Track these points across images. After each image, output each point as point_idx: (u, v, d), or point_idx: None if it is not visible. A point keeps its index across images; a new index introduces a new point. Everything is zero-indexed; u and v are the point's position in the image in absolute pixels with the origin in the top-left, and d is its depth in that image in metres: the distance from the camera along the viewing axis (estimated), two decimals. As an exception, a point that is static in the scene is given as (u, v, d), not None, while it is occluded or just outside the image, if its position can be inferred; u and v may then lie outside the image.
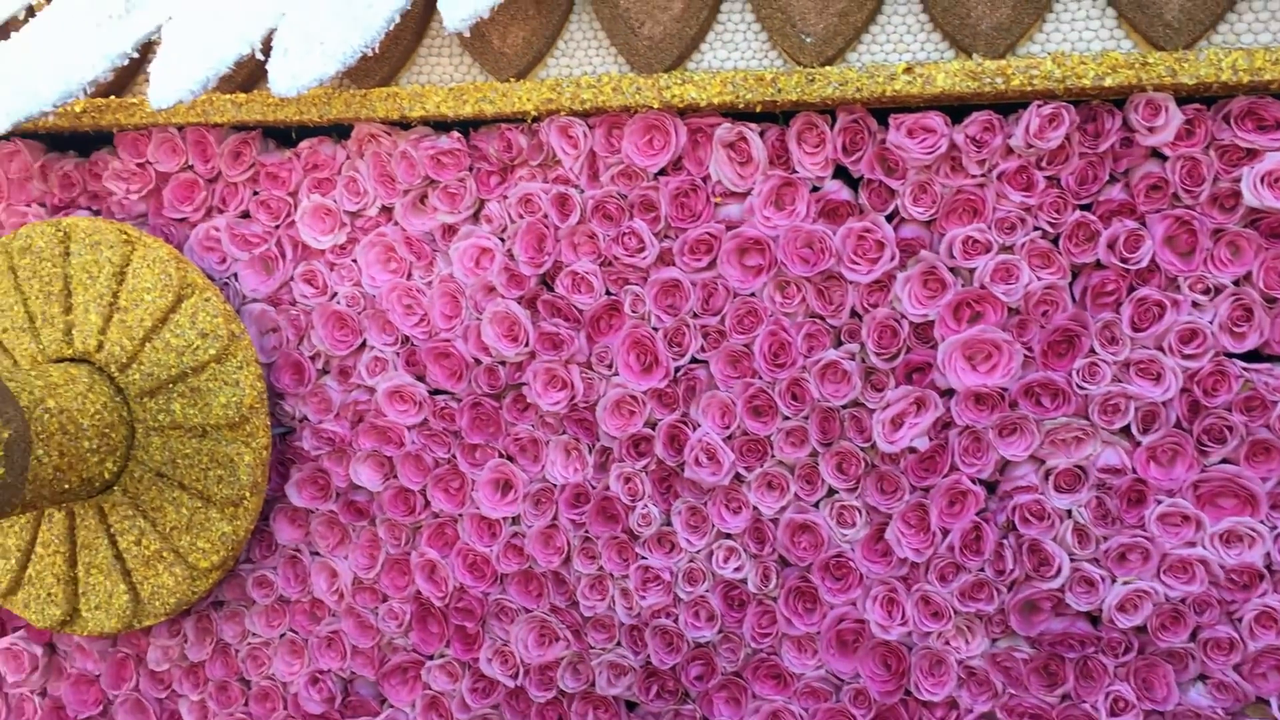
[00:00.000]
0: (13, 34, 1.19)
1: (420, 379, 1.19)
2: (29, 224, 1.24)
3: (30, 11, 1.23)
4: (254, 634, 1.29)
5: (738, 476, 1.12)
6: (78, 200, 1.29)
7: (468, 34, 1.06)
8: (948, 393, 1.06)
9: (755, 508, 1.12)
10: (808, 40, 1.04)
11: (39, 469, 1.10)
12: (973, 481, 1.06)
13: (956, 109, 1.03)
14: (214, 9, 1.11)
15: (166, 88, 1.10)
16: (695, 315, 1.11)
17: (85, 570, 1.24)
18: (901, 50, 1.03)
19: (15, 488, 1.08)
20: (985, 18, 1.00)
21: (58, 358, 1.23)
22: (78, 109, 1.23)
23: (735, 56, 1.08)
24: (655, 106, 1.07)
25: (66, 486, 1.15)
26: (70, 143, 1.31)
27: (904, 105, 1.04)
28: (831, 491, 1.11)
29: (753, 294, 1.10)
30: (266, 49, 1.10)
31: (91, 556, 1.23)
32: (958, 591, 1.08)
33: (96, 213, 1.29)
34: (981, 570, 1.08)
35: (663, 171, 1.11)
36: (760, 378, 1.10)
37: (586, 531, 1.17)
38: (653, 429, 1.13)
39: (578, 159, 1.12)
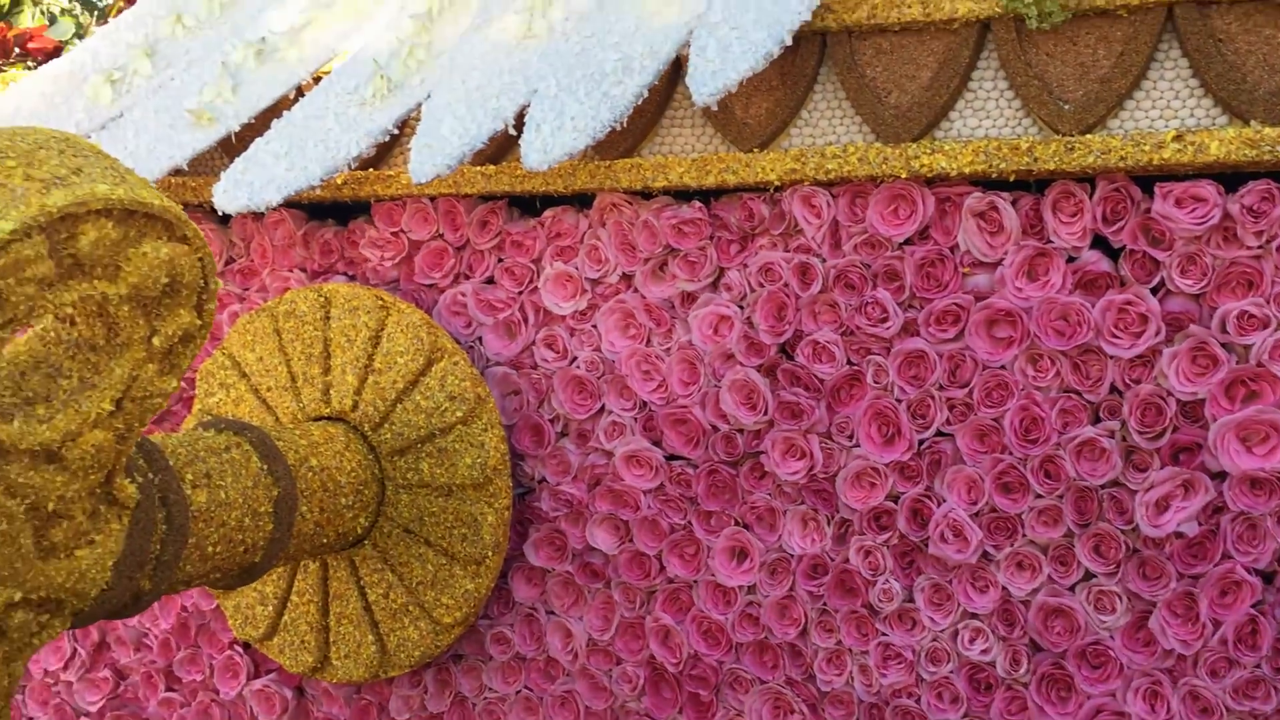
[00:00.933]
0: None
1: (657, 444, 1.26)
2: (293, 289, 1.37)
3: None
4: (491, 689, 1.39)
5: (985, 555, 1.14)
6: (335, 266, 1.42)
7: (715, 108, 1.12)
8: (1219, 475, 1.05)
9: (1004, 588, 1.13)
10: (1066, 107, 1.06)
11: (302, 524, 1.22)
12: (1248, 571, 1.04)
13: (1229, 176, 1.02)
14: (469, 88, 1.22)
15: (426, 164, 1.21)
16: (941, 387, 1.13)
17: (336, 620, 1.36)
18: (1169, 116, 1.04)
19: (282, 542, 1.21)
20: (1263, 82, 0.99)
21: (316, 416, 1.36)
22: (339, 181, 1.35)
23: (986, 124, 1.10)
24: (903, 176, 1.11)
25: (324, 540, 1.27)
26: (329, 212, 1.45)
27: (1170, 173, 1.04)
28: (1089, 575, 1.11)
29: (1003, 367, 1.11)
30: (518, 124, 1.20)
31: (343, 607, 1.35)
32: (1231, 688, 1.06)
33: (352, 278, 1.42)
34: (1258, 667, 1.05)
35: (908, 241, 1.14)
36: (1010, 453, 1.11)
37: (824, 604, 1.20)
38: (895, 502, 1.16)
39: (820, 228, 1.16)
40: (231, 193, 1.28)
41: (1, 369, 0.84)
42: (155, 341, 0.93)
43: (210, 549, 1.12)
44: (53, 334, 0.87)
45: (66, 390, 0.91)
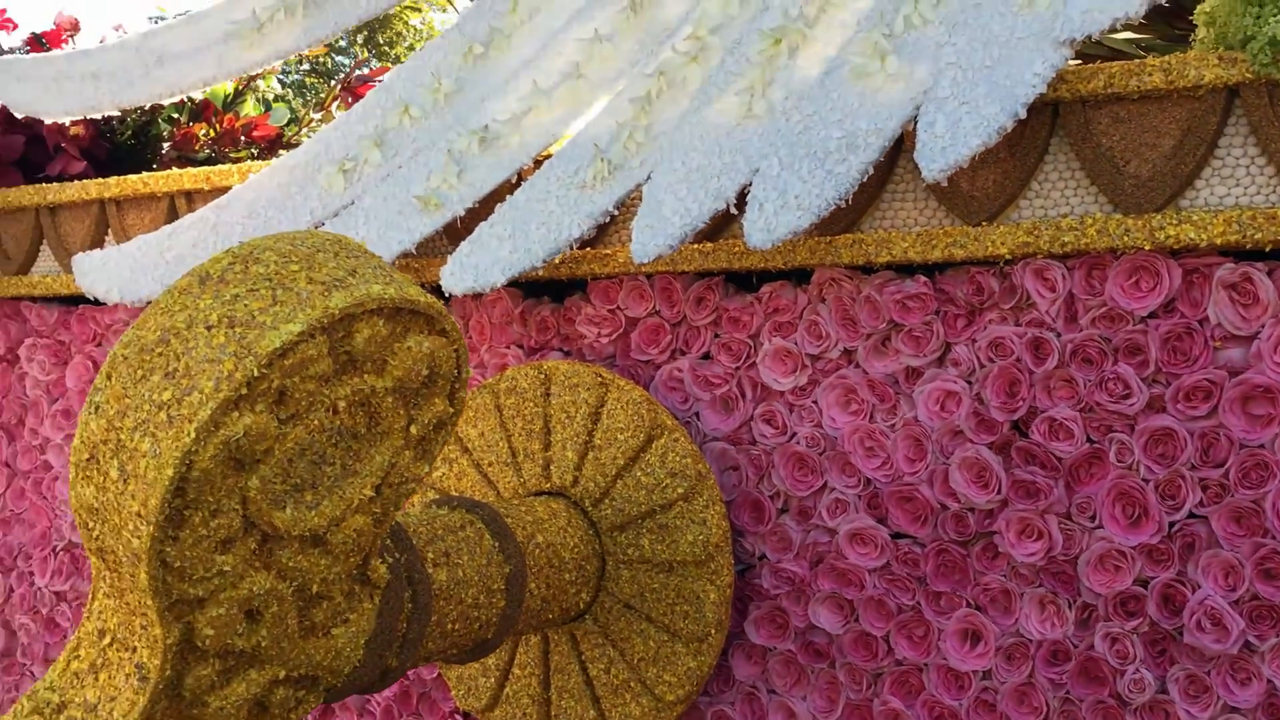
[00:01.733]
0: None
1: (882, 522, 1.25)
2: (514, 367, 1.42)
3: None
4: (711, 767, 1.38)
5: (1248, 645, 1.08)
6: (551, 343, 1.46)
7: (945, 183, 1.12)
8: None
9: (1270, 681, 1.07)
10: (1328, 173, 1.01)
11: (530, 600, 1.25)
12: None
13: None
14: (689, 168, 1.25)
15: (649, 243, 1.24)
16: (1193, 466, 1.09)
17: (557, 694, 1.38)
18: None
19: (513, 618, 1.24)
20: None
21: (536, 491, 1.39)
22: (556, 260, 1.40)
23: (1236, 192, 1.06)
24: (1146, 248, 1.08)
25: (549, 616, 1.30)
26: (544, 289, 1.49)
27: None
28: (1367, 670, 1.04)
29: (1261, 445, 1.06)
30: (739, 203, 1.21)
31: (564, 681, 1.38)
32: None
33: (568, 354, 1.46)
34: None
35: (1151, 314, 1.10)
36: (1273, 537, 1.05)
37: (1067, 692, 1.16)
38: (1144, 587, 1.12)
39: (1055, 302, 1.14)
40: (458, 275, 1.34)
41: (274, 459, 0.89)
42: (413, 430, 0.97)
43: (450, 626, 1.16)
44: (316, 423, 0.91)
45: (330, 477, 0.96)
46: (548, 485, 1.37)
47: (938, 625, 1.22)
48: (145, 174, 1.72)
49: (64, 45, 2.31)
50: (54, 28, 2.36)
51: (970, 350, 1.18)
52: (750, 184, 1.21)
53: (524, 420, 1.39)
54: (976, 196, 1.17)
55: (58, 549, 1.86)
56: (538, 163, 1.39)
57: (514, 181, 1.39)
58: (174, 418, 0.81)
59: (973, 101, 1.08)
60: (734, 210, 1.21)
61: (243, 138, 1.95)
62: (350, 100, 2.00)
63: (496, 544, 1.22)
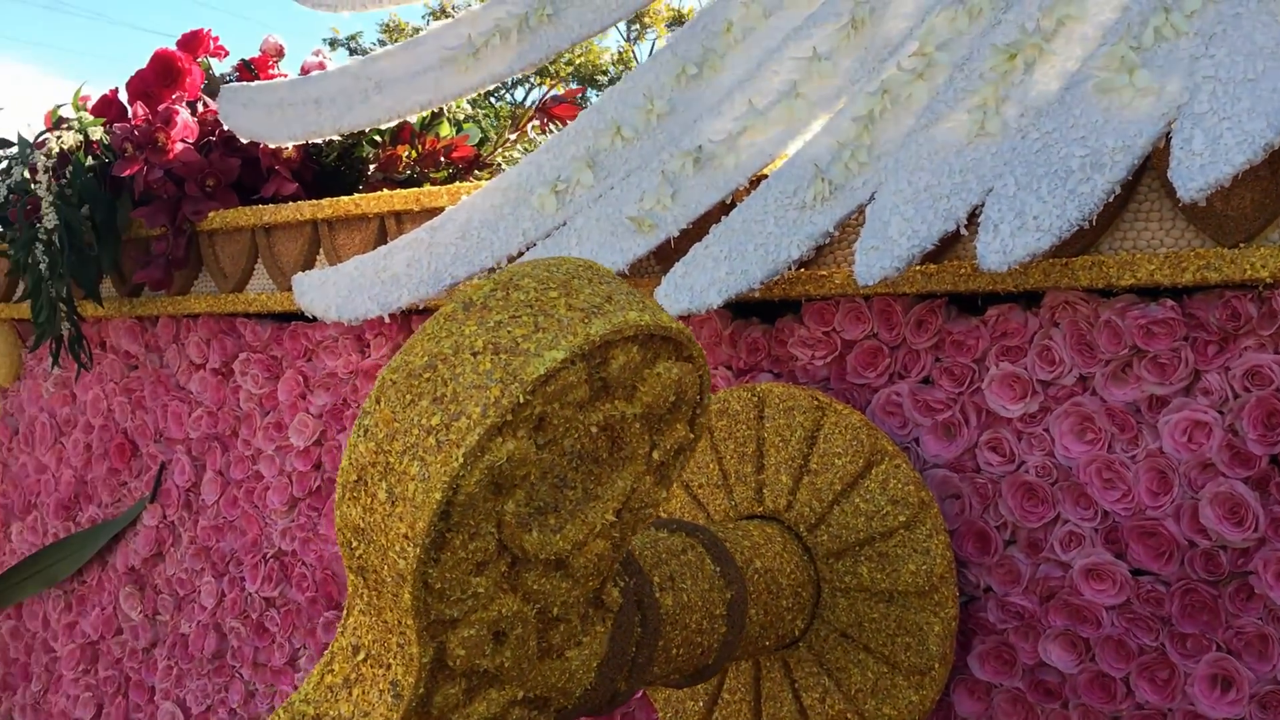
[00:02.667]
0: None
1: (1121, 557, 1.19)
2: (725, 389, 1.41)
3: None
4: (929, 805, 1.34)
5: None
6: (761, 364, 1.45)
7: (1203, 203, 1.06)
8: None
9: None
10: None
11: (749, 627, 1.24)
12: None
13: None
14: (917, 188, 1.22)
15: (874, 265, 1.21)
16: None
17: (769, 721, 1.36)
18: None
19: (733, 645, 1.23)
20: None
21: (748, 514, 1.38)
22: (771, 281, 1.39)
23: None
24: None
25: (765, 643, 1.29)
26: (753, 310, 1.48)
27: None
28: None
29: None
30: (970, 224, 1.18)
31: (775, 709, 1.36)
32: None
33: (778, 376, 1.44)
34: None
35: None
36: None
37: (1335, 748, 1.09)
38: None
39: (1322, 328, 1.07)
40: (674, 296, 1.34)
41: (529, 484, 0.90)
42: (655, 455, 0.97)
43: (674, 651, 1.16)
44: (558, 447, 0.92)
45: (572, 501, 0.96)
46: (760, 509, 1.36)
47: (1184, 668, 1.15)
48: (356, 195, 1.78)
49: (271, 70, 2.41)
50: (260, 54, 2.47)
51: (1223, 379, 1.12)
52: (982, 204, 1.17)
53: (736, 443, 1.38)
54: (1232, 216, 1.11)
55: (267, 556, 1.94)
56: (754, 183, 1.38)
57: (728, 202, 1.39)
58: (442, 442, 0.82)
59: (1235, 116, 1.03)
60: (964, 231, 1.18)
61: (443, 158, 2.00)
62: (545, 121, 2.03)
63: (718, 569, 1.21)
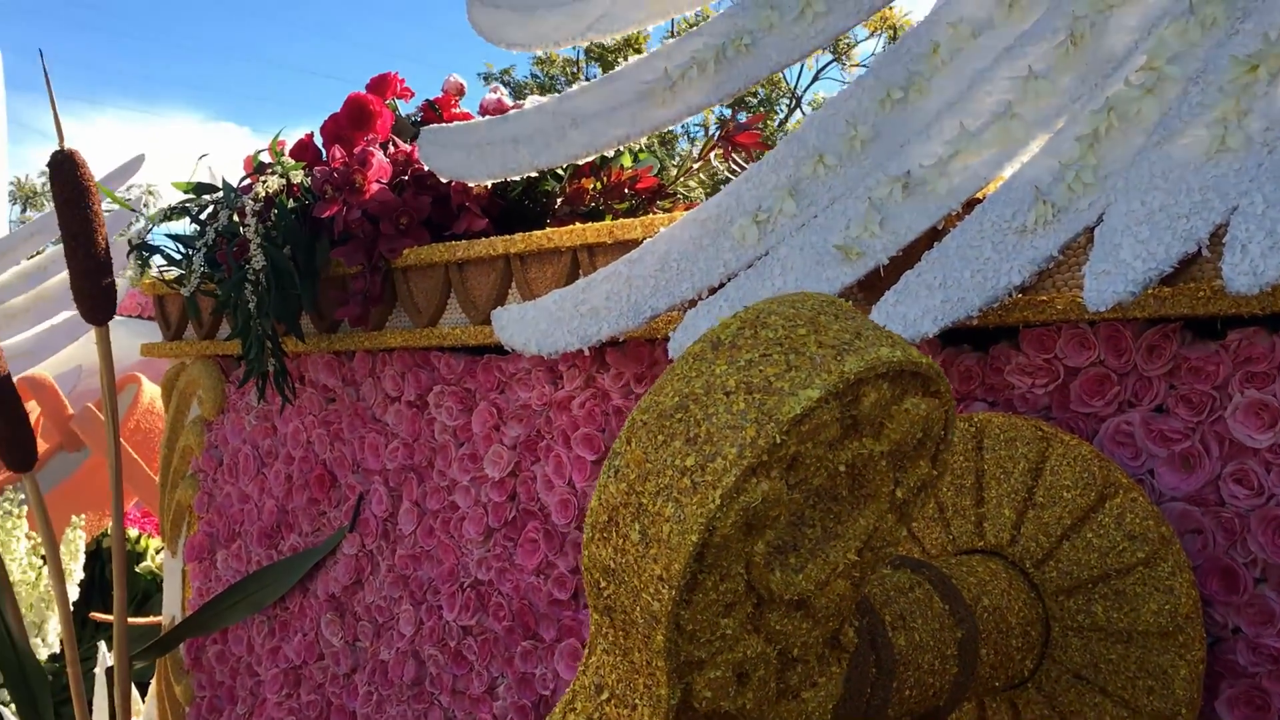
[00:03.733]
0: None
1: (1391, 599, 1.11)
2: (940, 419, 1.37)
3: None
4: None
5: None
6: (975, 393, 1.41)
7: None
8: None
9: None
10: None
11: (980, 667, 1.20)
12: None
13: None
14: (1151, 209, 1.16)
15: (1106, 290, 1.16)
16: None
17: (997, 764, 1.32)
18: None
19: (964, 686, 1.19)
20: None
21: (967, 549, 1.34)
22: (985, 308, 1.35)
23: None
24: None
25: (994, 684, 1.24)
26: (964, 337, 1.44)
27: None
28: None
29: None
30: (1212, 245, 1.12)
31: (1003, 751, 1.31)
32: None
33: (993, 405, 1.40)
34: None
35: None
36: None
37: None
38: None
39: None
40: (886, 326, 1.31)
41: (778, 524, 0.88)
42: (898, 493, 0.94)
43: (907, 693, 1.12)
44: (808, 486, 0.90)
45: (811, 540, 0.95)
46: (980, 543, 1.32)
47: None
48: (548, 230, 1.81)
49: (454, 109, 2.48)
50: (443, 94, 2.55)
51: None
52: (1225, 224, 1.11)
53: (953, 474, 1.34)
54: None
55: (464, 585, 1.97)
56: (967, 207, 1.34)
57: (939, 228, 1.35)
58: (698, 483, 0.82)
59: None
60: (1206, 252, 1.12)
61: (627, 190, 2.02)
62: (728, 149, 2.03)
63: (946, 607, 1.17)
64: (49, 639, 3.43)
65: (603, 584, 0.90)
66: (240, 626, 2.41)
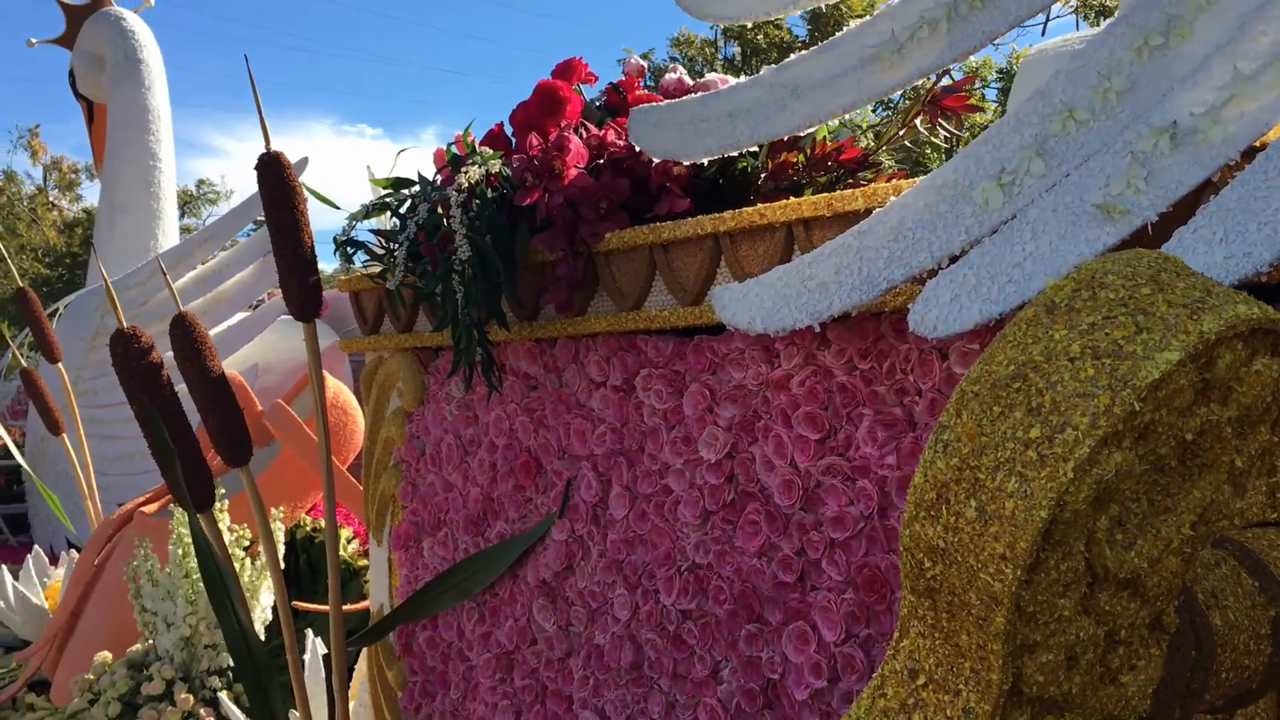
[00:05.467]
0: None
1: None
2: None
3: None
4: None
5: None
6: (1254, 355, 1.31)
7: None
8: None
9: None
10: None
11: (1291, 650, 1.12)
12: None
13: None
14: None
15: None
16: None
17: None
18: None
19: (1278, 668, 1.11)
20: None
21: (1258, 521, 1.25)
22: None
23: None
24: None
25: (1306, 668, 1.15)
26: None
27: None
28: None
29: None
30: None
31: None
32: None
33: None
34: None
35: None
36: None
37: None
38: None
39: None
40: (1161, 287, 1.22)
41: (1123, 498, 0.83)
42: (1238, 462, 0.87)
43: (1224, 675, 1.05)
44: (1154, 456, 0.84)
45: (1137, 514, 0.88)
46: (1275, 515, 1.22)
47: None
48: (760, 206, 1.77)
49: (637, 90, 2.46)
50: (625, 76, 2.53)
51: None
52: None
53: (1238, 443, 1.25)
54: None
55: (682, 569, 1.95)
56: (1245, 156, 1.25)
57: (1214, 180, 1.26)
58: (1045, 456, 0.77)
59: None
60: None
61: (830, 162, 1.96)
62: (935, 114, 1.95)
63: (1256, 583, 1.09)
64: (257, 628, 3.56)
65: (927, 564, 0.86)
66: (450, 613, 2.45)
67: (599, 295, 2.09)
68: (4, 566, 4.72)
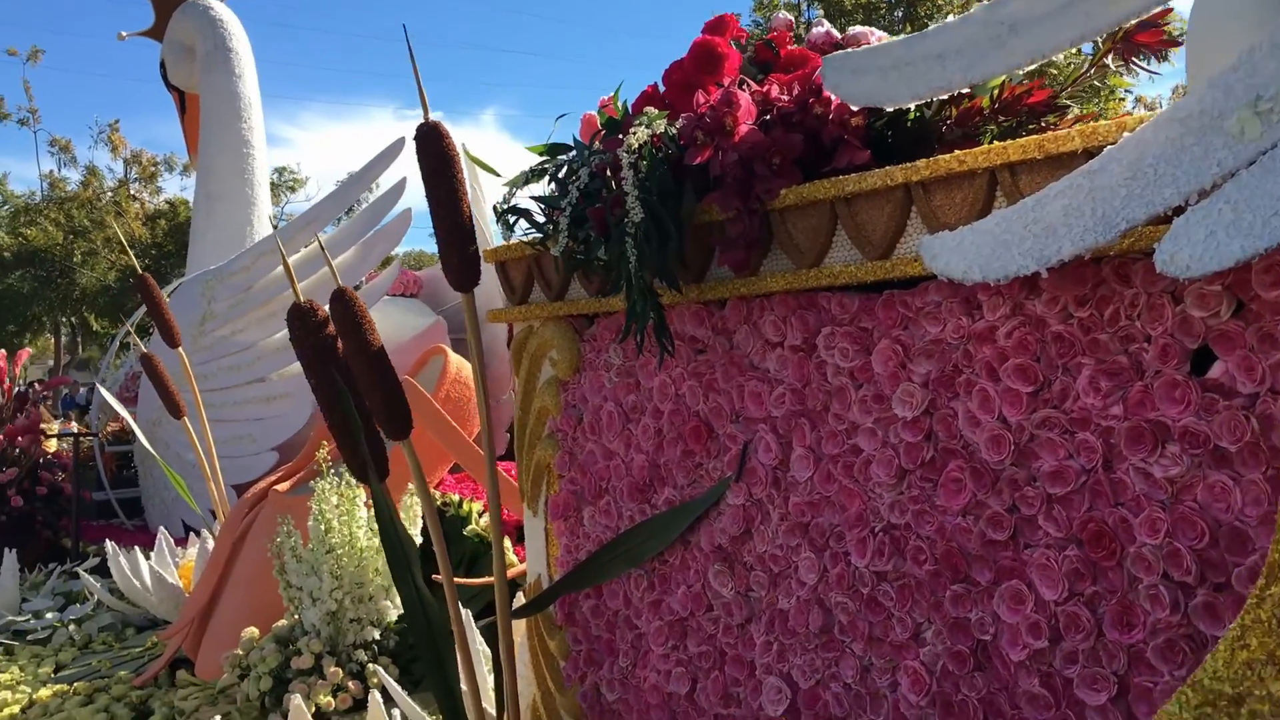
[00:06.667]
0: None
1: None
2: None
3: None
4: None
5: None
6: None
7: None
8: None
9: None
10: None
11: None
12: None
13: None
14: None
15: None
16: None
17: None
18: None
19: None
20: None
21: None
22: None
23: None
24: None
25: None
26: None
27: None
28: None
29: None
30: None
31: None
32: None
33: None
34: None
35: None
36: None
37: None
38: None
39: None
40: None
41: None
42: None
43: None
44: None
45: None
46: None
47: None
48: (959, 152, 1.69)
49: (789, 46, 2.39)
50: (775, 32, 2.45)
51: None
52: None
53: None
54: None
55: (875, 530, 1.89)
56: None
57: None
58: None
59: None
60: None
61: (1020, 106, 1.87)
62: (1129, 51, 1.85)
63: None
64: (398, 601, 3.57)
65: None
66: (616, 581, 2.42)
67: (773, 253, 2.03)
68: (137, 549, 4.82)
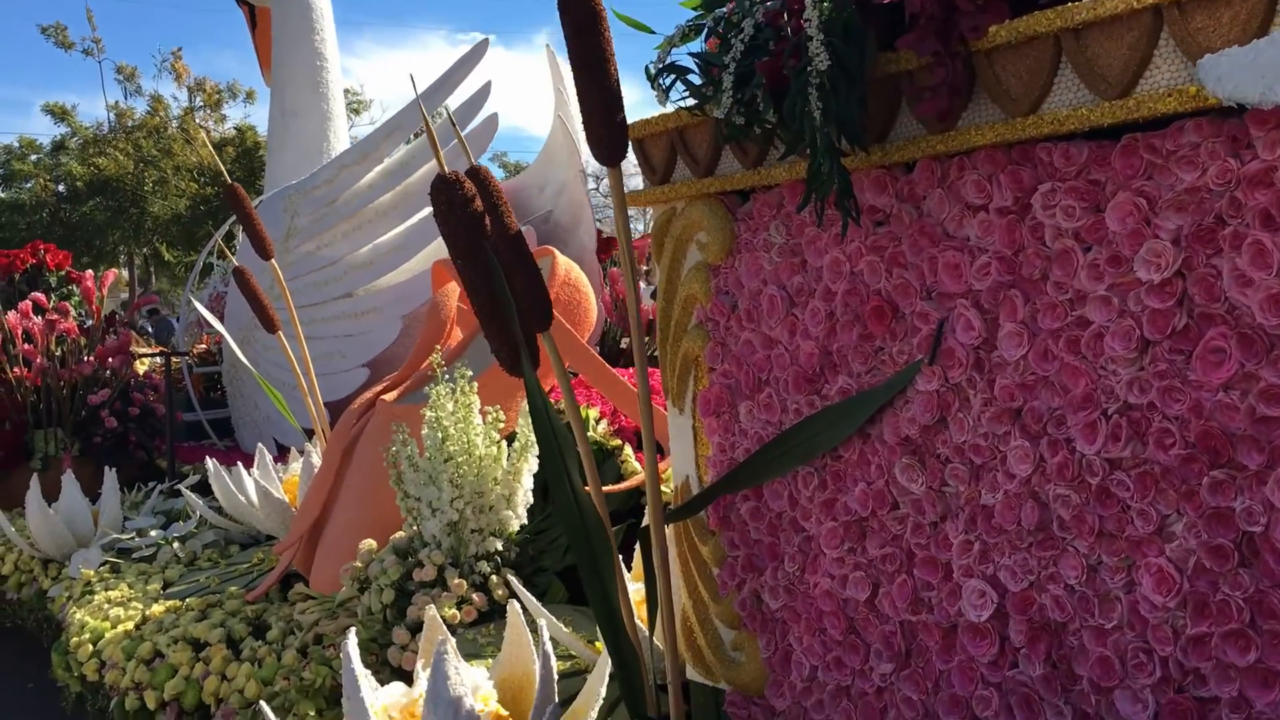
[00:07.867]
0: None
1: None
2: None
3: None
4: None
5: None
6: None
7: None
8: None
9: None
10: None
11: None
12: None
13: None
14: None
15: None
16: None
17: None
18: None
19: None
20: None
21: None
22: None
23: None
24: None
25: None
26: None
27: None
28: None
29: None
30: None
31: None
32: None
33: None
34: None
35: None
36: None
37: None
38: None
39: None
40: None
41: None
42: None
43: None
44: None
45: None
46: None
47: None
48: (1229, -39, 1.41)
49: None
50: None
51: None
52: None
53: None
54: None
55: (1107, 412, 1.65)
56: None
57: None
58: None
59: None
60: None
61: None
62: None
63: None
64: (520, 511, 3.42)
65: None
66: (779, 481, 2.21)
67: (975, 103, 1.76)
68: (240, 464, 4.72)
